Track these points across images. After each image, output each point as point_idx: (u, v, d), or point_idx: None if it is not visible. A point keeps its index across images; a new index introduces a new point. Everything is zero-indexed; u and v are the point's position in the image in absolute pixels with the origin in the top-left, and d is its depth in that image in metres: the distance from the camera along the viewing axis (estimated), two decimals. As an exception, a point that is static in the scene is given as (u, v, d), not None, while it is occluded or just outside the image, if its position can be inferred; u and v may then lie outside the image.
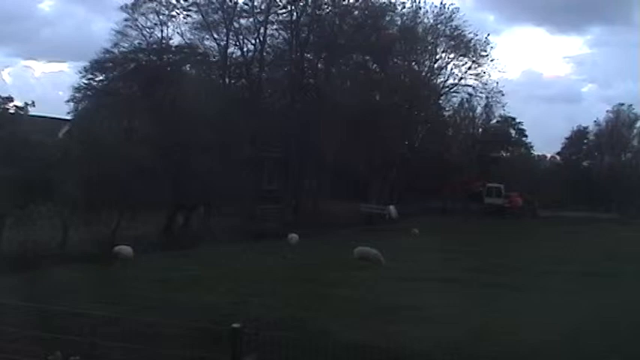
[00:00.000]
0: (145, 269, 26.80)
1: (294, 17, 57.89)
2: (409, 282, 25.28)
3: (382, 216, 59.42)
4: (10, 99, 31.89)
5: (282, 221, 48.60)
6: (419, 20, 69.79)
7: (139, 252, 30.25)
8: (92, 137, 31.28)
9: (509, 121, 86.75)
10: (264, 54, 58.11)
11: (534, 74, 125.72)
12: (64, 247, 31.01)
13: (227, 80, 57.02)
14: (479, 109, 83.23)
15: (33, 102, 33.05)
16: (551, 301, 21.69)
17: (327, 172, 59.09)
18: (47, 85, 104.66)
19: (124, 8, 52.90)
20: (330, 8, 59.83)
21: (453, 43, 71.60)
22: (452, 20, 69.94)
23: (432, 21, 70.45)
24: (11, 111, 32.33)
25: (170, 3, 53.98)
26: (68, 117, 49.31)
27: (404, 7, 67.50)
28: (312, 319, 17.96)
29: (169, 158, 36.16)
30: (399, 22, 68.51)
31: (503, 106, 75.53)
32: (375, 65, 66.20)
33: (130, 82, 51.01)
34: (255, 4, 56.72)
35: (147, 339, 13.76)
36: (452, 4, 70.71)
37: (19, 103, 33.53)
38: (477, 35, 71.33)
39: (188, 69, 53.03)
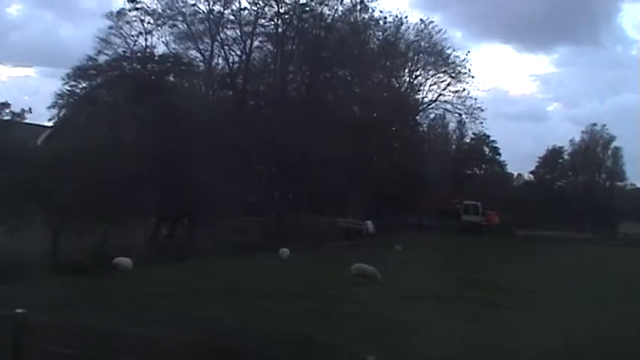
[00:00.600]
0: (146, 282, 26.51)
1: (280, 30, 57.84)
2: (409, 300, 25.21)
3: (359, 231, 59.31)
4: (6, 105, 31.44)
5: (264, 234, 48.42)
6: (400, 36, 70.11)
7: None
8: (84, 144, 30.77)
9: (482, 139, 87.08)
10: (251, 66, 57.96)
11: (501, 92, 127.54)
12: (55, 257, 30.55)
13: (211, 91, 56.77)
14: (452, 126, 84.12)
15: (30, 108, 32.71)
16: (548, 320, 21.79)
17: (305, 185, 59.04)
18: (13, 90, 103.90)
19: (109, 16, 52.91)
20: (314, 21, 59.72)
21: (432, 59, 72.09)
22: (432, 37, 70.50)
23: (412, 37, 70.87)
24: (6, 117, 31.85)
25: (156, 12, 53.95)
26: (46, 123, 49.01)
27: (385, 22, 67.76)
28: (320, 337, 17.80)
29: (157, 167, 35.84)
30: (380, 37, 68.87)
31: (481, 123, 75.46)
32: (356, 80, 66.15)
33: (114, 90, 50.51)
34: (242, 15, 56.63)
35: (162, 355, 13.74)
36: (431, 21, 70.64)
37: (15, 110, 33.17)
38: (455, 52, 72.09)
39: (172, 78, 52.58)
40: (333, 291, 26.93)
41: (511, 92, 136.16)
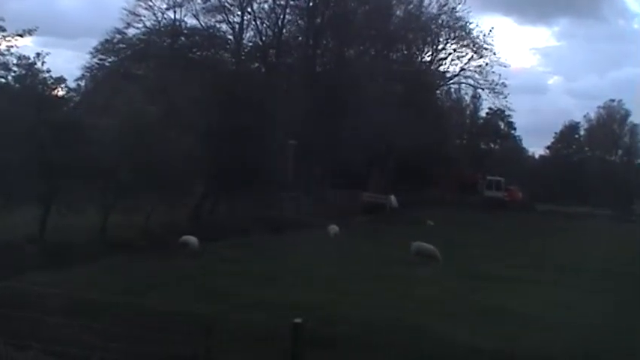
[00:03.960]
0: (216, 262, 26.25)
1: (311, 4, 57.30)
2: (476, 280, 24.99)
3: (383, 205, 59.07)
4: (62, 80, 30.78)
5: (299, 210, 48.10)
6: (423, 9, 69.41)
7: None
8: (138, 121, 30.27)
9: (498, 114, 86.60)
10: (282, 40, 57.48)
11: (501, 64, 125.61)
12: (105, 235, 30.22)
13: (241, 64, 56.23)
14: (466, 100, 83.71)
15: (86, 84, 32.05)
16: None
17: (330, 160, 58.70)
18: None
19: (137, -12, 52.20)
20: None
21: (455, 34, 71.44)
22: (456, 11, 69.78)
23: (435, 11, 70.10)
24: (61, 92, 31.26)
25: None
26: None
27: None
28: (415, 321, 17.53)
29: (203, 143, 35.44)
30: (401, 12, 68.23)
31: (505, 98, 74.61)
32: (381, 54, 65.66)
33: (143, 64, 50.08)
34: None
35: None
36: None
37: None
38: (478, 26, 71.57)
39: (206, 53, 52.10)
40: (399, 270, 26.72)
41: (512, 66, 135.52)
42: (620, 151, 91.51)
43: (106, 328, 12.17)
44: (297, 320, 10.94)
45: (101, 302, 15.10)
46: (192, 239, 28.53)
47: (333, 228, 36.47)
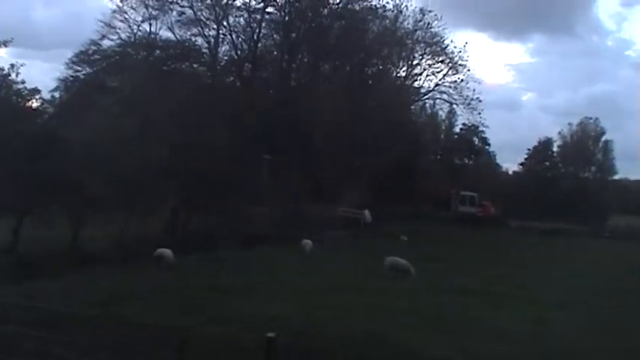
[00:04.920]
0: (190, 275, 26.18)
1: (287, 18, 57.40)
2: (449, 295, 25.04)
3: (357, 220, 59.06)
4: (36, 91, 30.67)
5: (272, 224, 47.96)
6: (399, 24, 69.67)
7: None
8: (111, 134, 30.20)
9: (472, 129, 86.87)
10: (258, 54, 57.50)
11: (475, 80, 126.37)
12: (78, 247, 30.08)
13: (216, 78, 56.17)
14: (441, 115, 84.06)
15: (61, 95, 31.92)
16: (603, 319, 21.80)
17: (305, 174, 58.64)
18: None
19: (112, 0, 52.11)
20: (320, 10, 59.35)
21: (430, 49, 71.81)
22: (431, 27, 70.18)
23: (411, 26, 70.44)
24: (36, 104, 31.14)
25: (162, -3, 53.03)
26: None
27: (385, 11, 67.24)
28: (388, 334, 17.59)
29: (176, 157, 35.42)
30: (377, 27, 68.35)
31: (479, 114, 75.05)
32: (357, 69, 65.87)
33: (120, 76, 49.83)
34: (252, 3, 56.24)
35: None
36: (431, 11, 69.98)
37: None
38: (453, 42, 71.99)
39: (178, 66, 51.99)
40: (374, 283, 26.72)
41: (486, 81, 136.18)
42: (593, 168, 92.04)
43: (79, 340, 12.11)
44: (271, 334, 10.97)
45: (75, 315, 14.98)
46: (168, 252, 28.46)
47: (308, 243, 36.39)
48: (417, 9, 69.88)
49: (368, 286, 26.15)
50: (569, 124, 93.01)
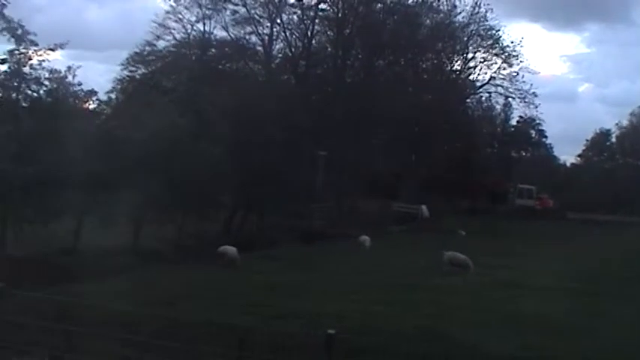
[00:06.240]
0: (249, 273, 26.29)
1: (340, 15, 57.36)
2: (508, 289, 24.71)
3: (414, 215, 58.79)
4: (93, 92, 31.06)
5: (329, 220, 48.04)
6: (453, 18, 69.13)
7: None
8: (171, 135, 30.47)
9: (528, 122, 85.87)
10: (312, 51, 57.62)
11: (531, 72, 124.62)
12: (138, 246, 30.44)
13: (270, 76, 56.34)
14: (497, 109, 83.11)
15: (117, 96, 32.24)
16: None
17: (360, 171, 58.58)
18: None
19: (166, 1, 52.57)
20: (374, 5, 59.26)
21: (485, 42, 71.03)
22: (486, 20, 69.33)
23: (465, 20, 69.74)
24: (92, 106, 31.55)
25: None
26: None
27: (439, 5, 66.84)
28: (448, 330, 17.42)
29: (233, 156, 35.57)
30: (431, 21, 67.96)
31: (536, 107, 74.08)
32: (410, 64, 65.62)
33: (173, 76, 50.23)
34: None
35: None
36: (487, 3, 68.93)
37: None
38: (509, 35, 71.30)
39: (233, 65, 52.32)
40: (434, 280, 26.51)
41: (542, 73, 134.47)
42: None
43: (141, 339, 12.21)
44: (331, 331, 10.94)
45: (136, 314, 15.11)
46: (231, 249, 28.40)
47: (366, 239, 36.28)
48: (472, 1, 68.87)
49: (426, 281, 25.97)
50: (630, 114, 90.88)
